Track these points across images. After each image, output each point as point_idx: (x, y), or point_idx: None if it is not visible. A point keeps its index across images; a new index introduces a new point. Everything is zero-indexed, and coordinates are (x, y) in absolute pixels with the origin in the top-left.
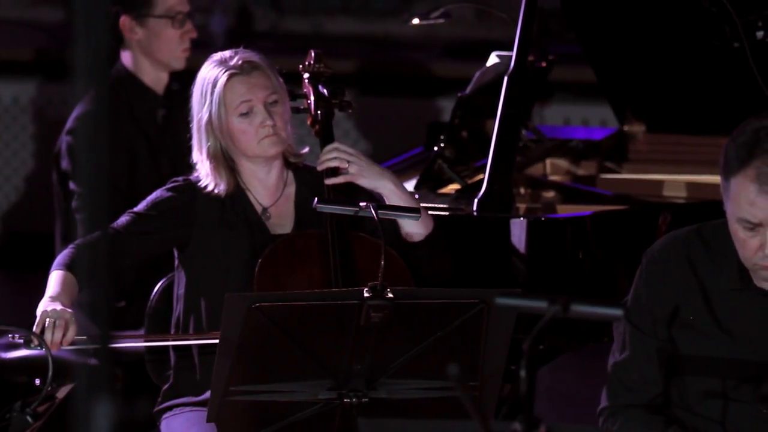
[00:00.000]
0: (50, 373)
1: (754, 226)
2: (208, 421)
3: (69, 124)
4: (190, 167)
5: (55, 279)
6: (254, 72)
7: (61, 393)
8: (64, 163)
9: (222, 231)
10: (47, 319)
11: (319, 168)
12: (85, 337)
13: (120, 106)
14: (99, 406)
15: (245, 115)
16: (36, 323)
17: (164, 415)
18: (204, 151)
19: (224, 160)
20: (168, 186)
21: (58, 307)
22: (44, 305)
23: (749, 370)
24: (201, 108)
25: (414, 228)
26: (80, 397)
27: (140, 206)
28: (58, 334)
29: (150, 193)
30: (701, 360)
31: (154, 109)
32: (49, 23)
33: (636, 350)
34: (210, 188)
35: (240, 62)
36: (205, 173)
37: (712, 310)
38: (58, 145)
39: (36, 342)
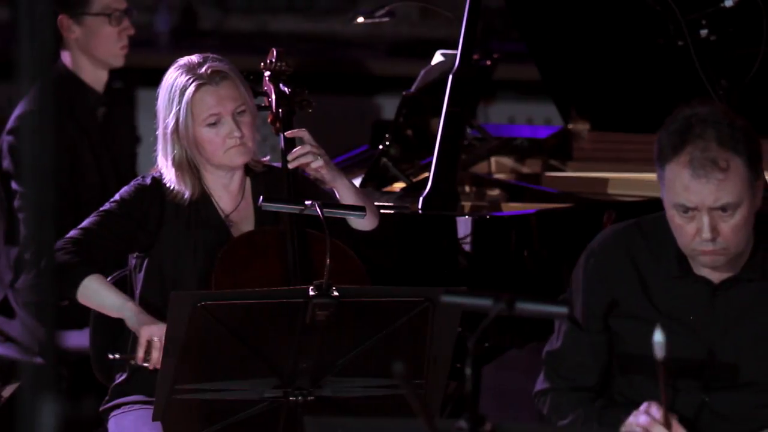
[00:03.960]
0: None
1: (689, 211)
2: (153, 419)
3: (10, 123)
4: (132, 164)
5: (108, 285)
6: (223, 82)
7: (7, 392)
8: (5, 163)
9: (189, 232)
10: (155, 339)
11: (291, 166)
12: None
13: (60, 105)
14: (45, 405)
15: (213, 125)
16: (140, 344)
17: (113, 413)
18: (169, 158)
19: (189, 168)
20: (136, 187)
21: (159, 324)
22: (141, 321)
23: (691, 357)
24: (167, 114)
25: (360, 225)
26: (26, 395)
27: (109, 205)
28: None
29: (92, 190)
30: (643, 350)
31: (94, 107)
32: None
33: (568, 342)
34: (175, 192)
35: (209, 71)
36: (170, 179)
37: (653, 299)
38: None
39: (141, 362)
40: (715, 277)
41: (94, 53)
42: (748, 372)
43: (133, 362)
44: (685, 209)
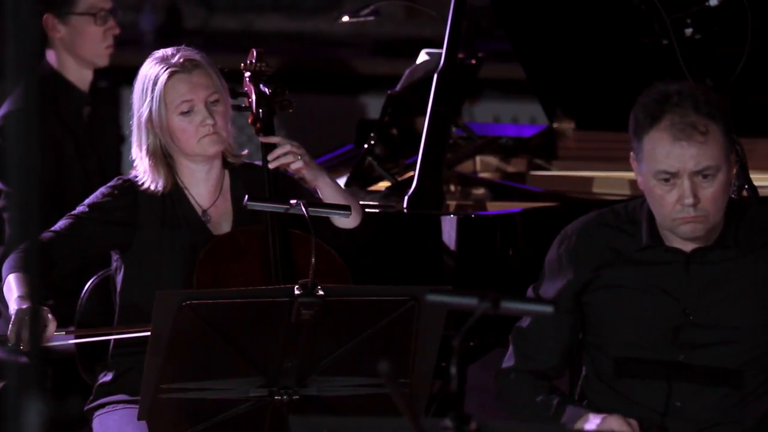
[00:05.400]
0: None
1: (671, 177)
2: (139, 419)
3: None
4: (117, 164)
5: (17, 281)
6: (195, 70)
7: None
8: None
9: (165, 231)
10: (24, 318)
11: (271, 166)
12: (63, 333)
13: (45, 105)
14: (29, 404)
15: (186, 113)
16: (11, 322)
17: (97, 412)
18: (143, 148)
19: (163, 158)
20: (108, 188)
21: (27, 304)
22: (16, 304)
23: (667, 319)
24: (141, 105)
25: (343, 223)
26: (11, 395)
27: (80, 208)
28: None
29: (77, 190)
30: (618, 319)
31: (79, 106)
32: None
33: (534, 321)
34: (147, 185)
35: (181, 60)
36: (143, 170)
37: (627, 267)
38: None
39: (12, 341)
40: (688, 247)
41: (79, 53)
42: (722, 332)
43: (10, 343)
44: (667, 176)
